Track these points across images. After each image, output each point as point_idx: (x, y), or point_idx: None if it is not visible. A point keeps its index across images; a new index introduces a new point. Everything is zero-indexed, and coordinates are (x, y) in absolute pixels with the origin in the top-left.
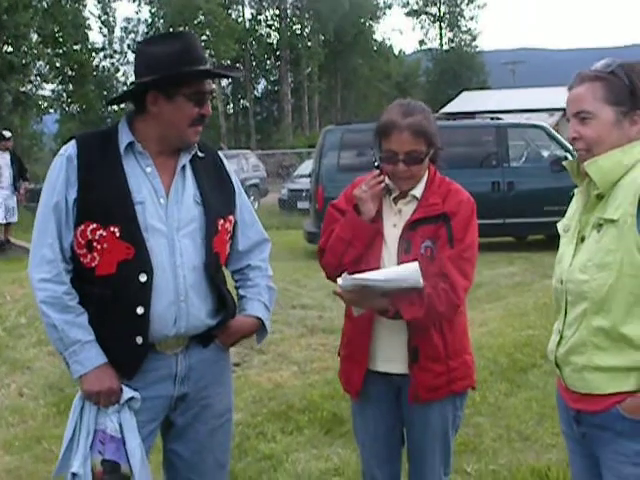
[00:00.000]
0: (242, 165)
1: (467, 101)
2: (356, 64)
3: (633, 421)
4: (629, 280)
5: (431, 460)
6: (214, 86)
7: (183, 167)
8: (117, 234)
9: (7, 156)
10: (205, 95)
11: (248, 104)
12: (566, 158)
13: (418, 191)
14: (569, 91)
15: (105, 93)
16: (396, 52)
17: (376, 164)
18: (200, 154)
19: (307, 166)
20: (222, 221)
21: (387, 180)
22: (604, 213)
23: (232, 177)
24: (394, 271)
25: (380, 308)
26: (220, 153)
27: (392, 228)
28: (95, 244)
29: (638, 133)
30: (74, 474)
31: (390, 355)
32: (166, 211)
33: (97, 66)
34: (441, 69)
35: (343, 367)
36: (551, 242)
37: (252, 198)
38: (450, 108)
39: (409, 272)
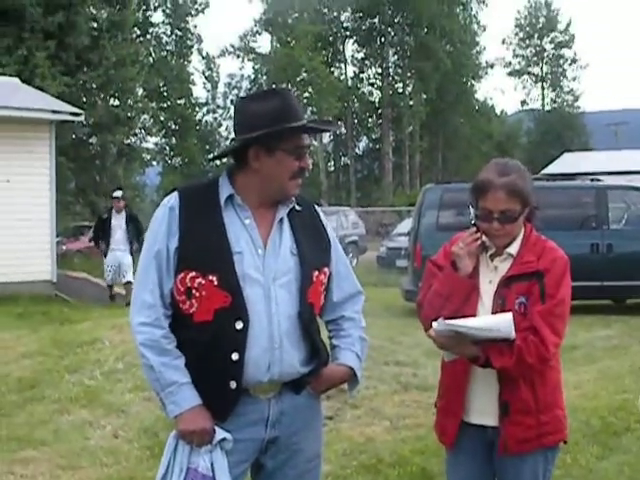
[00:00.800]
0: (341, 222)
1: (568, 162)
2: (458, 123)
3: None
4: None
5: None
6: (316, 143)
7: (281, 220)
8: (215, 282)
9: (121, 217)
10: (304, 149)
11: (349, 161)
12: None
13: (514, 249)
14: None
15: (207, 147)
16: (498, 112)
17: (473, 222)
18: (297, 207)
19: (406, 224)
20: (317, 272)
21: (484, 237)
22: None
23: (328, 230)
24: (488, 320)
25: (470, 355)
26: (317, 207)
27: (488, 284)
28: (194, 291)
29: None
30: None
31: (484, 408)
32: (263, 261)
33: (200, 120)
34: (543, 129)
35: (439, 418)
36: None
37: (351, 255)
38: (551, 169)
39: (502, 322)
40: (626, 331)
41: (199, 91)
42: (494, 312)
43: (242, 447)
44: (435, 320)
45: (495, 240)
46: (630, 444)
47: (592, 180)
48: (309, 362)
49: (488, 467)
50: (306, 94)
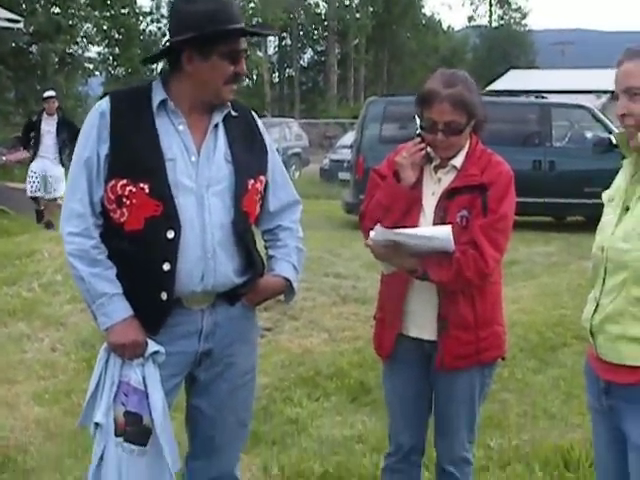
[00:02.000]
0: (284, 134)
1: (514, 79)
2: (404, 37)
3: None
4: None
5: (456, 426)
6: (260, 54)
7: (216, 126)
8: (146, 190)
9: (53, 121)
10: (240, 53)
11: (294, 73)
12: (609, 140)
13: (458, 161)
14: (618, 67)
15: None
16: (444, 27)
17: (418, 132)
18: (233, 113)
19: (350, 137)
20: (252, 181)
21: (428, 149)
22: None
23: (265, 137)
24: (427, 230)
25: (409, 268)
26: (254, 113)
27: (431, 196)
28: (125, 200)
29: None
30: (97, 424)
31: (422, 321)
32: (197, 169)
33: (144, 30)
34: (489, 46)
35: (377, 330)
36: (590, 224)
37: (294, 167)
38: (496, 85)
39: (441, 233)
40: (565, 248)
41: (143, 0)
42: (435, 224)
43: (175, 360)
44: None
45: (439, 152)
46: (566, 359)
47: (537, 97)
48: (244, 272)
49: (425, 381)
50: (252, 4)
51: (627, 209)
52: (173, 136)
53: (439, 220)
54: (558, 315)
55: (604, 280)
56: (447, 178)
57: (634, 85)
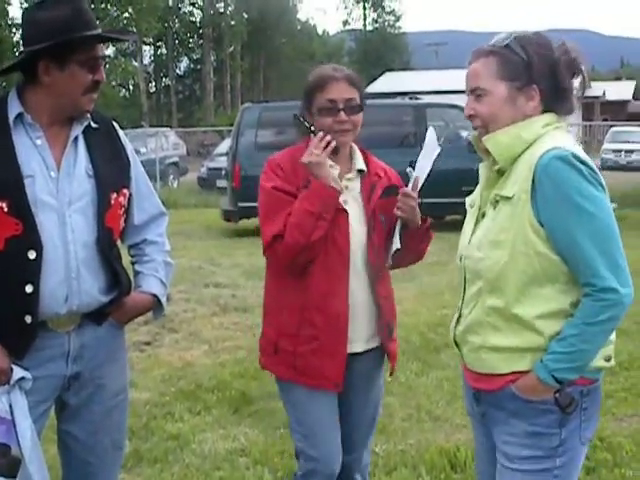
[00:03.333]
0: (161, 143)
1: (390, 82)
2: (279, 43)
3: (525, 401)
4: (522, 259)
5: (367, 432)
6: (136, 64)
7: (76, 139)
8: (5, 209)
9: None
10: (98, 60)
11: (170, 82)
12: None
13: (362, 164)
14: (467, 67)
15: None
16: (320, 32)
17: (312, 129)
18: (94, 125)
19: (226, 144)
20: (115, 195)
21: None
22: (502, 190)
23: (127, 148)
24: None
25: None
26: (115, 123)
27: (353, 203)
28: None
29: (535, 109)
30: None
31: (367, 332)
32: (57, 185)
33: (18, 42)
34: (364, 49)
35: (309, 364)
36: None
37: (172, 176)
38: (373, 88)
39: (430, 138)
40: (445, 248)
41: (15, 11)
42: (373, 230)
43: (42, 385)
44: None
45: (341, 137)
46: (449, 360)
47: (411, 98)
48: (110, 291)
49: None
50: (126, 14)
51: (483, 215)
52: (31, 151)
53: (379, 224)
54: (440, 315)
55: (465, 289)
56: (354, 184)
57: (479, 85)
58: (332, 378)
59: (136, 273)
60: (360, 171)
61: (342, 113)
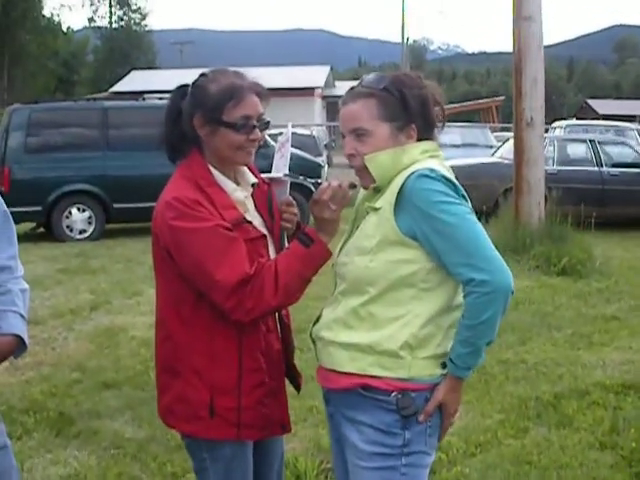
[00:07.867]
0: None
1: (136, 80)
2: (24, 40)
3: (370, 402)
4: (383, 265)
5: None
6: None
7: None
8: None
9: None
10: None
11: None
12: None
13: (252, 177)
14: (342, 107)
15: None
16: (64, 28)
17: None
18: None
19: None
20: None
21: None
22: (373, 202)
23: None
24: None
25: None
26: None
27: (262, 224)
28: None
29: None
30: None
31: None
32: None
33: None
34: (110, 47)
35: (259, 412)
36: None
37: None
38: (119, 87)
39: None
40: None
41: None
42: (287, 241)
43: None
44: None
45: (248, 157)
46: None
47: (160, 99)
48: None
49: None
50: None
51: (357, 227)
52: None
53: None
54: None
55: (333, 293)
56: (249, 199)
57: (361, 126)
58: (280, 420)
59: None
60: (253, 185)
61: (257, 130)
